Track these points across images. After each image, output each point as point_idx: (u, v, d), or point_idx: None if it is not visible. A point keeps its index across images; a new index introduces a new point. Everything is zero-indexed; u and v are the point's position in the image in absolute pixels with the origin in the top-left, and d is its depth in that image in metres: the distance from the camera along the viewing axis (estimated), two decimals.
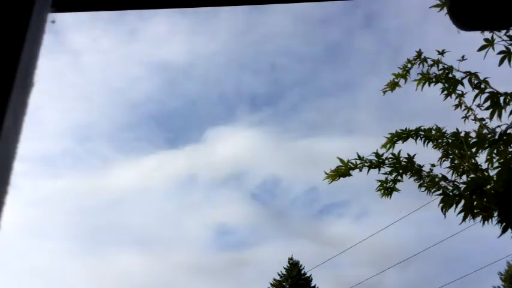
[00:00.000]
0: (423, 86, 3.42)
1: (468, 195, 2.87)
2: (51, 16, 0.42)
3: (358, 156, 3.48)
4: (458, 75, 3.20)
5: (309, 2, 0.57)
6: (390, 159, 3.43)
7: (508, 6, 0.54)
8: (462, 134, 3.24)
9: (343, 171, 3.49)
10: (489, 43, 2.76)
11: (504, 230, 2.79)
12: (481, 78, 2.99)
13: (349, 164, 3.48)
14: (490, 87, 2.79)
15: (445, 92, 3.27)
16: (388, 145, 3.50)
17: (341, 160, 3.50)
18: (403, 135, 3.50)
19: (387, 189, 3.54)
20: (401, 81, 3.61)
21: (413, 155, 3.42)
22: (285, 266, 27.39)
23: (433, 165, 3.36)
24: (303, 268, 27.10)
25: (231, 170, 41.80)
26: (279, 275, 27.12)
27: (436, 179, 3.23)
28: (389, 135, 3.51)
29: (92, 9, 0.52)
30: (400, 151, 3.43)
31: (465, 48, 3.22)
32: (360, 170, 3.49)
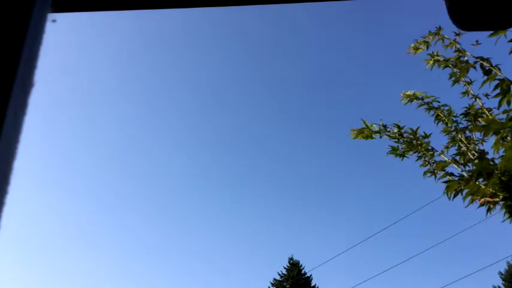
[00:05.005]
0: (432, 66, 3.42)
1: (474, 180, 2.87)
2: (51, 16, 0.43)
3: (382, 124, 3.67)
4: (471, 60, 3.16)
5: (309, 2, 0.57)
6: (408, 133, 3.57)
7: (508, 6, 0.53)
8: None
9: (366, 133, 3.66)
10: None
11: (510, 216, 2.81)
12: (493, 64, 2.94)
13: (373, 127, 3.67)
14: (501, 74, 2.74)
15: (453, 79, 3.23)
16: (406, 100, 3.68)
17: (365, 123, 3.67)
18: (420, 99, 3.64)
19: (399, 154, 3.68)
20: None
21: (429, 134, 3.52)
22: (285, 266, 27.00)
23: (446, 147, 3.42)
24: (303, 268, 26.79)
25: None
26: (280, 274, 26.70)
27: (447, 161, 3.28)
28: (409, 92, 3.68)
29: (91, 9, 0.52)
30: (418, 128, 3.55)
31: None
32: (381, 137, 3.69)
